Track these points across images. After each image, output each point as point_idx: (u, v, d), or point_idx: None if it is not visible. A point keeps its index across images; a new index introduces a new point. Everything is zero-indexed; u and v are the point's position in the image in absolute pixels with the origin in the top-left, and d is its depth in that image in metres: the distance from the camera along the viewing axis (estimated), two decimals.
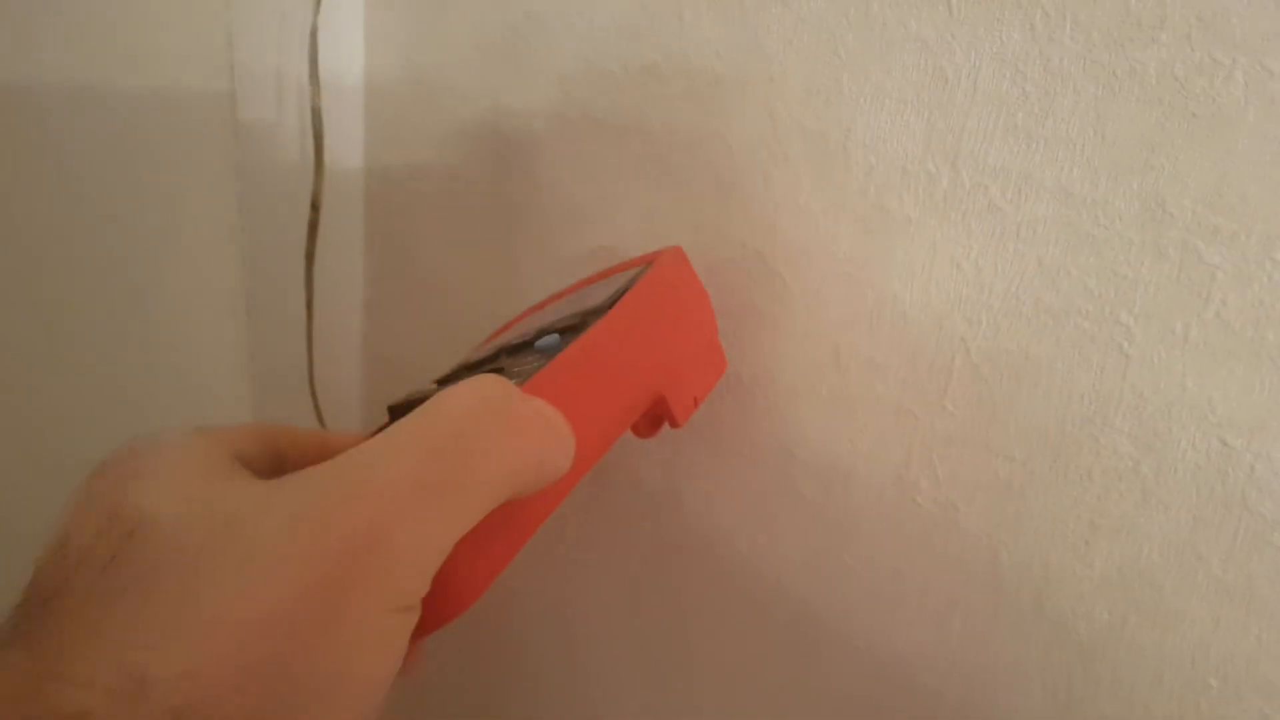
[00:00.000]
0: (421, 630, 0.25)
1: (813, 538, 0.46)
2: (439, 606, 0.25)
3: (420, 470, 0.24)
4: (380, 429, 0.31)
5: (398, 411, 0.32)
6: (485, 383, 0.27)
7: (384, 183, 0.59)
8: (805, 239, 0.44)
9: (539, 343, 0.35)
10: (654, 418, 0.41)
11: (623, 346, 0.37)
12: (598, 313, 0.37)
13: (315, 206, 0.49)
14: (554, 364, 0.32)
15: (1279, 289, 0.32)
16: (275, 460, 0.31)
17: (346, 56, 0.54)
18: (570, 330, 0.36)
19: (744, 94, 0.44)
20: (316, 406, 0.60)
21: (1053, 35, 0.35)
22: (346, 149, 0.56)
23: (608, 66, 0.48)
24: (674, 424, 0.40)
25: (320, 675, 0.21)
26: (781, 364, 0.46)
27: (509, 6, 0.52)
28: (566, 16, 0.49)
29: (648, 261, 0.43)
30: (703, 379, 0.44)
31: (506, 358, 0.37)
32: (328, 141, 0.51)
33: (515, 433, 0.27)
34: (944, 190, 0.39)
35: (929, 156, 0.39)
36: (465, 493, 0.24)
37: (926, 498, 0.42)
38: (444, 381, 0.39)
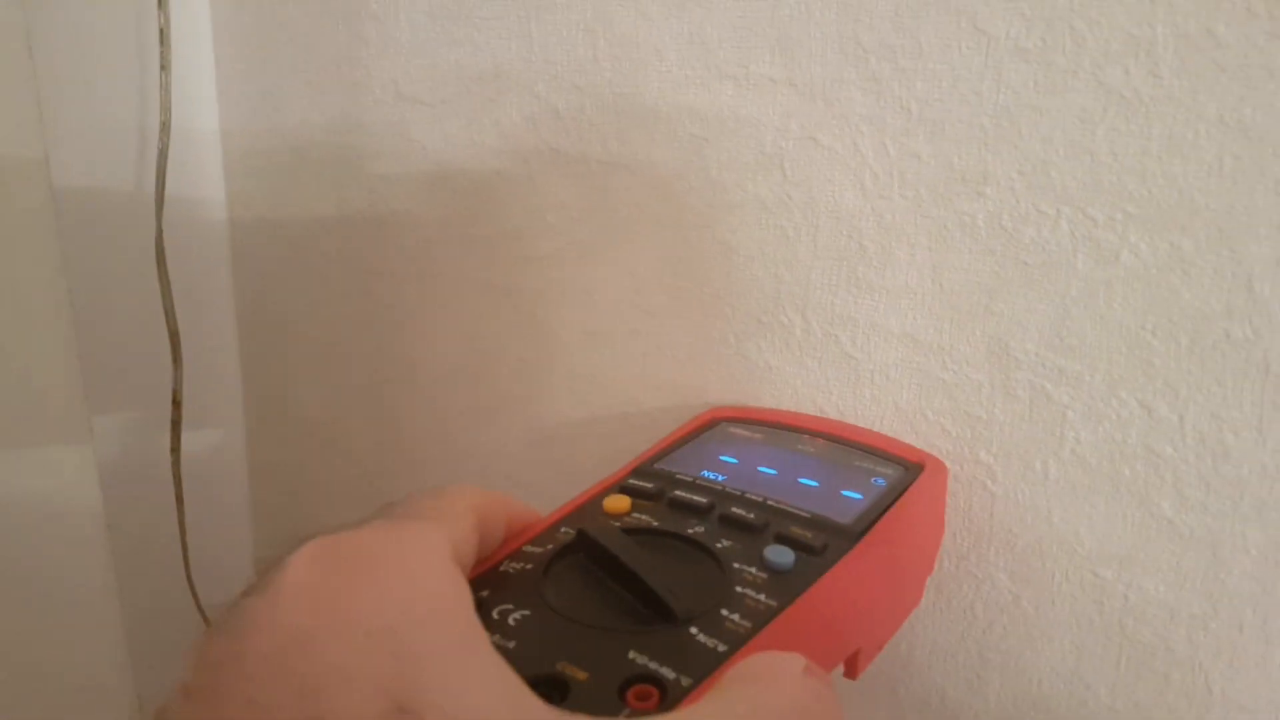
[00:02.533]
0: None
1: None
2: None
3: None
4: (565, 547, 0.26)
5: (598, 548, 0.25)
6: (792, 671, 0.21)
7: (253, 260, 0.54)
8: (676, 382, 0.40)
9: (769, 553, 0.27)
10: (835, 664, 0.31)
11: (862, 595, 0.28)
12: (842, 537, 0.28)
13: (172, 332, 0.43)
14: (797, 612, 0.25)
15: (1128, 426, 0.30)
16: (482, 536, 0.25)
17: (201, 119, 0.48)
18: (806, 549, 0.27)
19: (603, 255, 0.40)
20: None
21: (882, 193, 0.32)
22: (208, 211, 0.49)
23: (465, 230, 0.44)
24: (851, 676, 0.30)
25: None
26: None
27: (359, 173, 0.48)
28: (417, 197, 0.45)
29: (897, 460, 0.33)
30: (900, 622, 0.33)
31: (720, 534, 0.28)
32: (186, 207, 0.45)
33: None
34: (798, 339, 0.35)
35: (781, 308, 0.35)
36: None
37: None
38: (633, 494, 0.30)
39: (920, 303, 0.32)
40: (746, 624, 0.24)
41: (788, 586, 0.26)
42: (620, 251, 0.40)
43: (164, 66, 0.45)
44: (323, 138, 0.46)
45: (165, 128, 0.44)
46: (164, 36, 0.45)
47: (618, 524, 0.28)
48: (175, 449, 0.45)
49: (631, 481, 0.31)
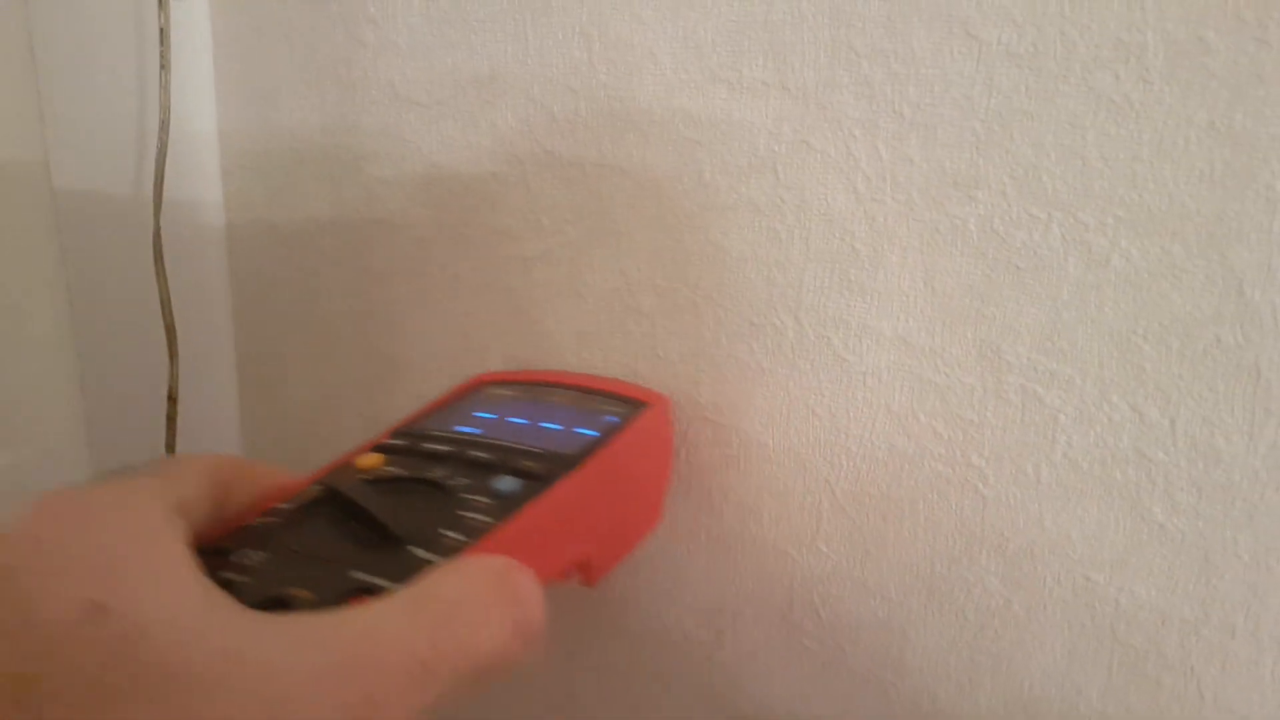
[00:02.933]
0: None
1: (704, 679, 0.42)
2: None
3: (422, 653, 0.22)
4: (312, 501, 0.28)
5: (337, 496, 0.28)
6: (493, 568, 0.25)
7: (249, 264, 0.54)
8: (667, 386, 0.40)
9: (496, 483, 0.30)
10: (568, 572, 0.35)
11: (582, 511, 0.32)
12: (565, 464, 0.31)
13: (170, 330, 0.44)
14: (512, 525, 0.28)
15: (1120, 430, 0.30)
16: (223, 498, 0.27)
17: (198, 118, 0.48)
18: (531, 477, 0.30)
19: (595, 254, 0.40)
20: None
21: (875, 196, 0.32)
22: (205, 214, 0.50)
23: (460, 230, 0.44)
24: (587, 584, 0.34)
25: None
26: None
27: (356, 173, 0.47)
28: (412, 198, 0.45)
29: (630, 400, 0.37)
30: (633, 541, 0.38)
31: (459, 473, 0.31)
32: (183, 208, 0.46)
33: (508, 623, 0.24)
34: (791, 341, 0.35)
35: (773, 310, 0.35)
36: (451, 677, 0.23)
37: (813, 639, 0.38)
38: (386, 451, 0.33)
39: (912, 306, 0.32)
40: (463, 539, 0.27)
41: (507, 507, 0.28)
42: (613, 253, 0.40)
43: (164, 66, 0.45)
44: (320, 138, 0.46)
45: (164, 126, 0.44)
46: (164, 36, 0.45)
47: (365, 477, 0.30)
48: (171, 445, 0.45)
49: (385, 441, 0.34)
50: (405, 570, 0.24)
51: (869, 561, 0.36)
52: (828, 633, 0.37)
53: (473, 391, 0.40)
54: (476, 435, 0.34)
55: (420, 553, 0.26)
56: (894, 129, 0.31)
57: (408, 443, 0.33)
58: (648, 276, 0.39)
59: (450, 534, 0.27)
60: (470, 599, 0.24)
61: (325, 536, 0.27)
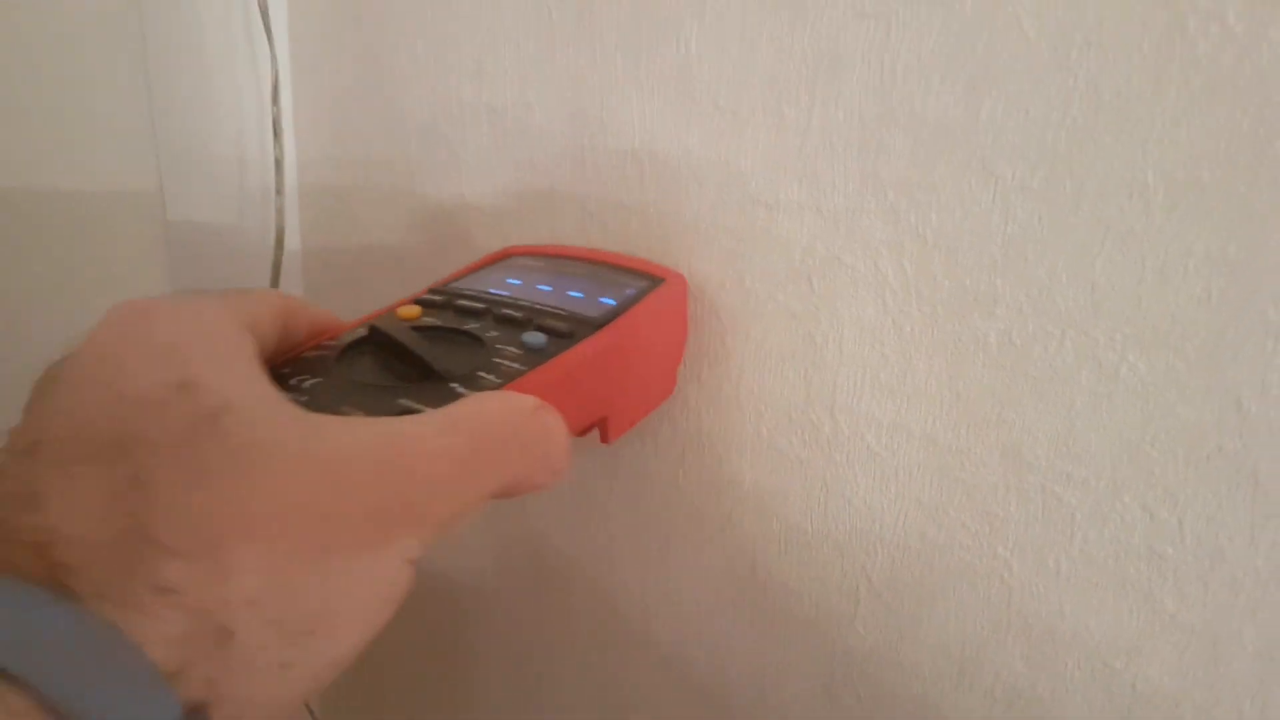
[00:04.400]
0: None
1: None
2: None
3: (462, 463, 0.25)
4: (355, 341, 0.31)
5: (383, 335, 0.31)
6: (525, 403, 0.28)
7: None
8: (712, 473, 0.43)
9: (526, 337, 0.33)
10: (588, 426, 0.38)
11: (603, 369, 0.35)
12: (588, 326, 0.35)
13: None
14: (540, 373, 0.31)
15: (1132, 528, 0.32)
16: (283, 330, 0.30)
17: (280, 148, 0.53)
18: (557, 335, 0.34)
19: None
20: None
21: (902, 308, 0.35)
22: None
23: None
24: (605, 440, 0.38)
25: (338, 599, 0.22)
26: (706, 576, 0.45)
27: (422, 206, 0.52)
28: (482, 216, 0.49)
29: (649, 276, 0.40)
30: (649, 405, 0.41)
31: (491, 328, 0.34)
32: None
33: (537, 451, 0.27)
34: (827, 436, 0.38)
35: (810, 406, 0.39)
36: (486, 487, 0.26)
37: (852, 715, 0.40)
38: (424, 304, 0.36)
39: (939, 408, 0.35)
40: (497, 380, 0.30)
41: (536, 358, 0.32)
42: None
43: (277, 134, 0.50)
44: (393, 239, 0.50)
45: (279, 165, 0.50)
46: (275, 94, 0.50)
47: (406, 324, 0.33)
48: None
49: (424, 296, 0.38)
50: (447, 402, 0.27)
51: (904, 643, 0.38)
52: (866, 708, 0.40)
53: (503, 260, 0.43)
54: (506, 296, 0.37)
55: (460, 389, 0.29)
56: (918, 250, 0.34)
57: (443, 299, 0.37)
58: (692, 370, 0.42)
59: (486, 376, 0.30)
60: (503, 424, 0.26)
61: (372, 369, 0.30)
